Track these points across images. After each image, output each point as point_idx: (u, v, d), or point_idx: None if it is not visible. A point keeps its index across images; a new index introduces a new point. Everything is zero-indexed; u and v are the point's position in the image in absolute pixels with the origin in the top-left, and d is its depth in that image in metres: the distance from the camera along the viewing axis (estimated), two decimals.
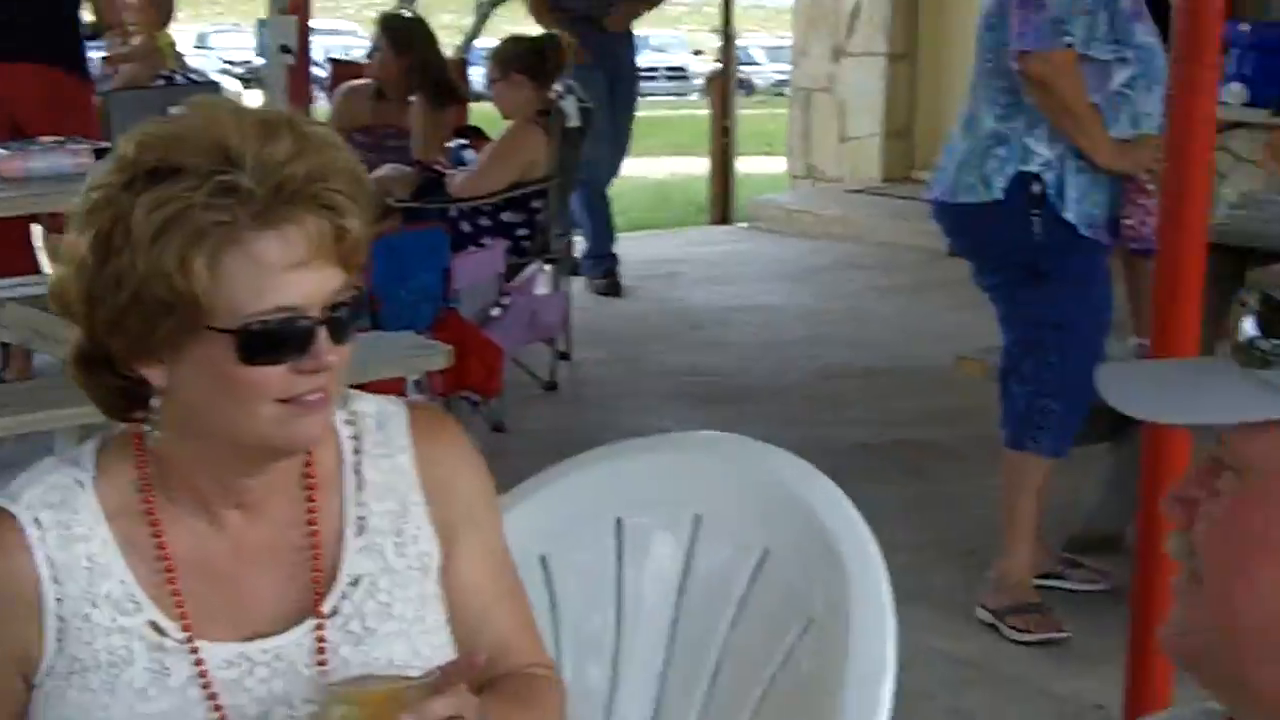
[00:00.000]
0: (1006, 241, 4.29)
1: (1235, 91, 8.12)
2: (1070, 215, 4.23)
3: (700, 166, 10.80)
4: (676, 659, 2.11)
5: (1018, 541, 4.44)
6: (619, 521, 2.15)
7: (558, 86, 6.75)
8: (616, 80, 8.53)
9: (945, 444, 5.99)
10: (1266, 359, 1.14)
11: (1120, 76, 4.19)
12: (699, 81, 23.97)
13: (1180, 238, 2.60)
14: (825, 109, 10.94)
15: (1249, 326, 1.15)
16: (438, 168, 6.73)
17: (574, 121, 6.73)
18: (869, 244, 9.75)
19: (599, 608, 2.15)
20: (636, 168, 9.31)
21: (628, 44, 8.77)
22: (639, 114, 9.02)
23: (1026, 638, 4.34)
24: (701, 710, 2.09)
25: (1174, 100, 2.68)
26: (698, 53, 28.53)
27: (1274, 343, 1.14)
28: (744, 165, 12.46)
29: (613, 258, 8.72)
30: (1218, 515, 1.16)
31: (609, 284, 8.61)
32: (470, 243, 6.35)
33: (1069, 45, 4.13)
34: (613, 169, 8.73)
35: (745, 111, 19.30)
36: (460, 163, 6.82)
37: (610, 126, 8.37)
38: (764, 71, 27.55)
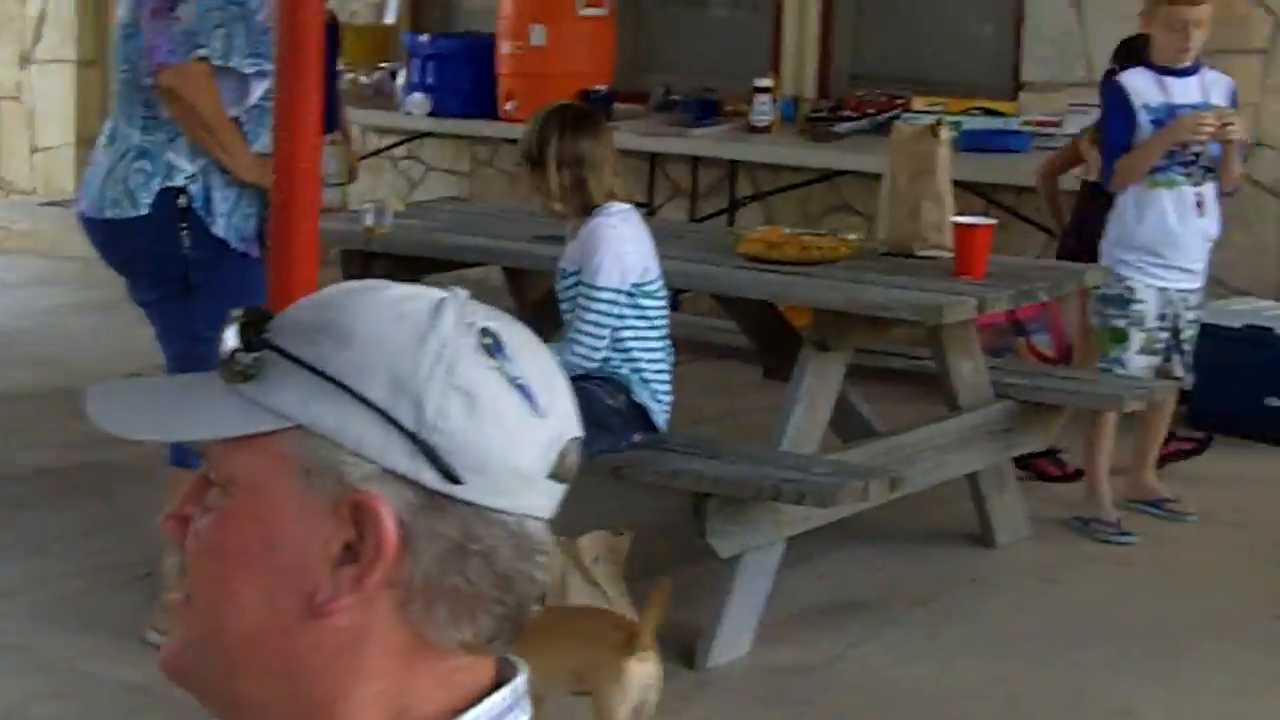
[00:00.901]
0: (157, 256, 4.24)
1: (418, 101, 8.30)
2: (218, 229, 4.22)
3: None
4: None
5: None
6: None
7: None
8: None
9: (129, 464, 5.85)
10: (246, 373, 1.14)
11: (259, 90, 4.19)
12: None
13: (289, 244, 2.62)
14: (14, 118, 10.52)
15: (230, 340, 1.15)
16: None
17: None
18: (63, 259, 9.40)
19: None
20: None
21: None
22: None
23: None
24: None
25: (280, 110, 2.69)
26: None
27: (253, 356, 1.14)
28: None
29: None
30: (203, 531, 1.16)
31: None
32: None
33: (203, 58, 4.10)
34: None
35: None
36: None
37: None
38: None
